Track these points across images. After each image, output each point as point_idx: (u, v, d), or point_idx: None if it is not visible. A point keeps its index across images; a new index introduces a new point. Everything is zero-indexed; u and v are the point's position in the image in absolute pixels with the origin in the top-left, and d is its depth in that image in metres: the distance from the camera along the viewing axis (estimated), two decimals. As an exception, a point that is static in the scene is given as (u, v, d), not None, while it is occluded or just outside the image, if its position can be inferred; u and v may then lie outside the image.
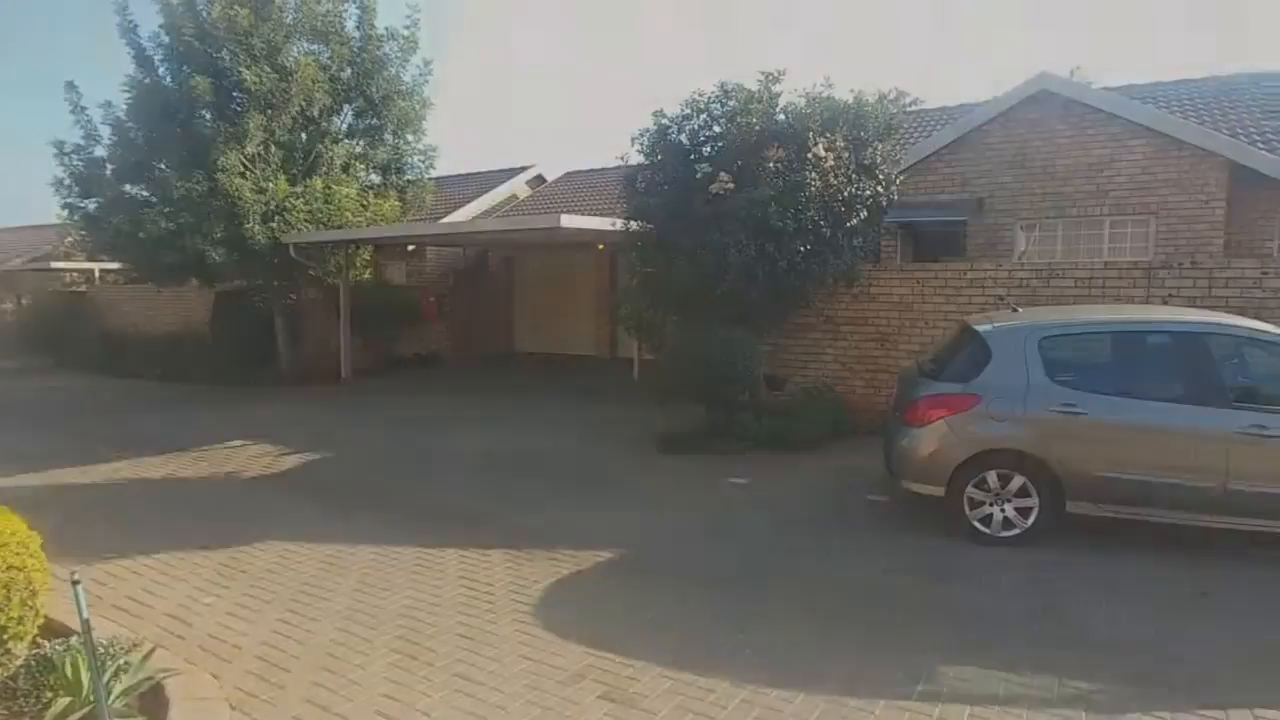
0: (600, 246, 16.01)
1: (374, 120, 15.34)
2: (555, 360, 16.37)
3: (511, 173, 21.04)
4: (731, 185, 7.42)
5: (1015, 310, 6.13)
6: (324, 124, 14.41)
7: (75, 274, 23.57)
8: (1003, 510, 5.35)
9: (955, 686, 3.63)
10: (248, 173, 13.47)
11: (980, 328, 5.70)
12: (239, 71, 12.87)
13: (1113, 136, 9.90)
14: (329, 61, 14.15)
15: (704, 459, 8.07)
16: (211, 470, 8.29)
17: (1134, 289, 7.67)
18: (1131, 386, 5.24)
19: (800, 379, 9.40)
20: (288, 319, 15.36)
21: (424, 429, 10.16)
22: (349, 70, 14.60)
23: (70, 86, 13.56)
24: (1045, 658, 3.87)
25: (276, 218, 13.47)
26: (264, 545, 5.78)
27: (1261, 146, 9.66)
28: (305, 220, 13.70)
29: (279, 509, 6.78)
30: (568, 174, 21.33)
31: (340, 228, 13.87)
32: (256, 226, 13.11)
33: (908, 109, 8.92)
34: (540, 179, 21.45)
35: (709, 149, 8.30)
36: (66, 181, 13.84)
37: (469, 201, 19.20)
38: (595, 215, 12.27)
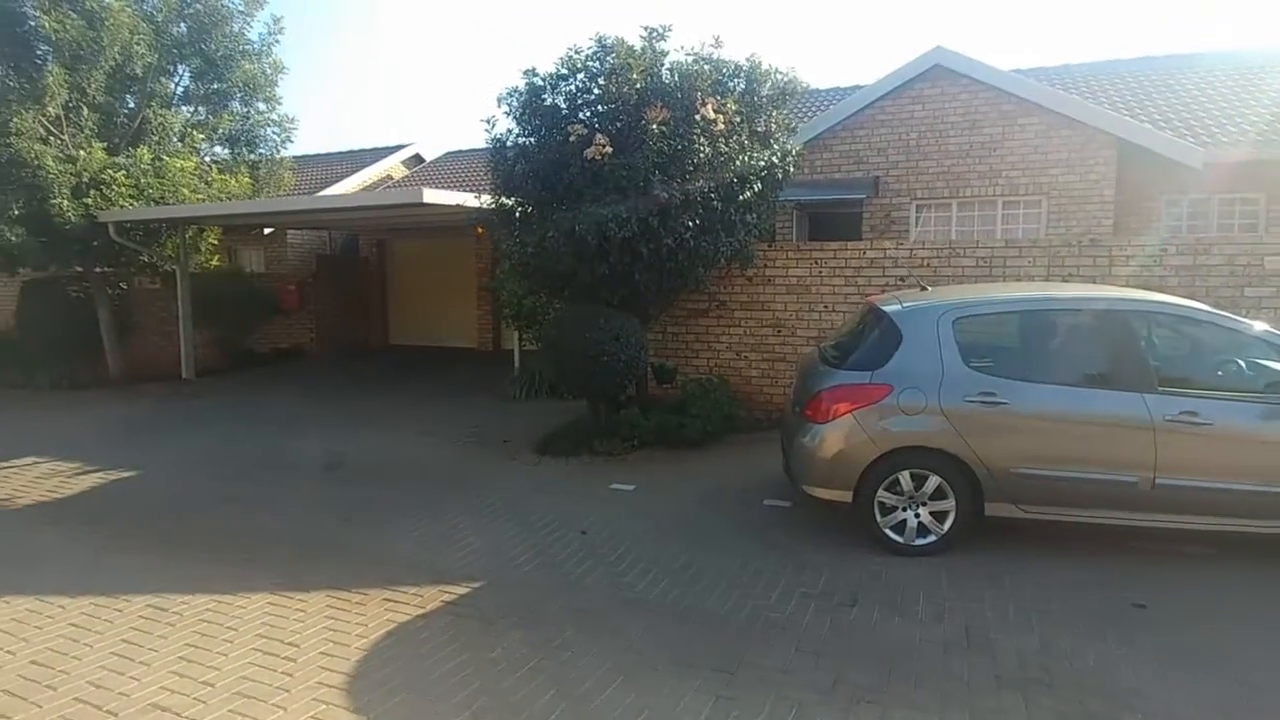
0: (480, 230, 14.72)
1: (217, 84, 13.48)
2: (432, 355, 15.02)
3: (387, 151, 19.37)
4: (609, 149, 6.48)
5: (924, 289, 5.50)
6: (152, 85, 12.47)
7: None
8: (917, 515, 4.69)
9: (881, 761, 2.85)
10: (51, 138, 11.44)
11: (888, 308, 5.01)
12: (36, 16, 10.86)
13: (1005, 115, 9.61)
14: (155, 11, 12.24)
15: (585, 462, 7.14)
16: (-27, 498, 6.67)
17: (1034, 268, 7.29)
18: (1053, 371, 4.67)
19: (691, 369, 8.61)
20: (115, 312, 13.30)
21: (267, 435, 8.74)
22: (183, 25, 12.71)
23: None
24: (981, 705, 3.16)
25: (92, 192, 11.52)
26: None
27: (1147, 124, 9.60)
28: (130, 196, 11.79)
29: (42, 548, 5.36)
30: (448, 154, 19.84)
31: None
32: (65, 202, 11.13)
33: (801, 87, 8.19)
34: (418, 159, 19.86)
35: (588, 113, 7.33)
36: None
37: (338, 181, 17.47)
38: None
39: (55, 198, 10.98)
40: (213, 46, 12.89)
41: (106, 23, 11.10)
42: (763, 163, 7.25)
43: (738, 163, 6.97)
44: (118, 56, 11.53)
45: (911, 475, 4.64)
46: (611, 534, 5.32)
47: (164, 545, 5.37)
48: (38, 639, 3.96)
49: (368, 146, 19.75)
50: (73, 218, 11.16)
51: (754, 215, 7.51)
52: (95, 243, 12.10)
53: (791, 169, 7.66)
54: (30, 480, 7.23)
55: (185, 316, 13.15)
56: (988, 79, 9.63)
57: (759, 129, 7.40)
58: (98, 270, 12.96)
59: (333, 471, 7.24)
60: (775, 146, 7.43)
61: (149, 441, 8.62)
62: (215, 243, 14.77)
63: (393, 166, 19.11)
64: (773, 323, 8.32)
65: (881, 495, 4.70)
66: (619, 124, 6.88)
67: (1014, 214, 9.83)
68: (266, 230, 16.13)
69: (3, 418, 10.37)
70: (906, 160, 10.18)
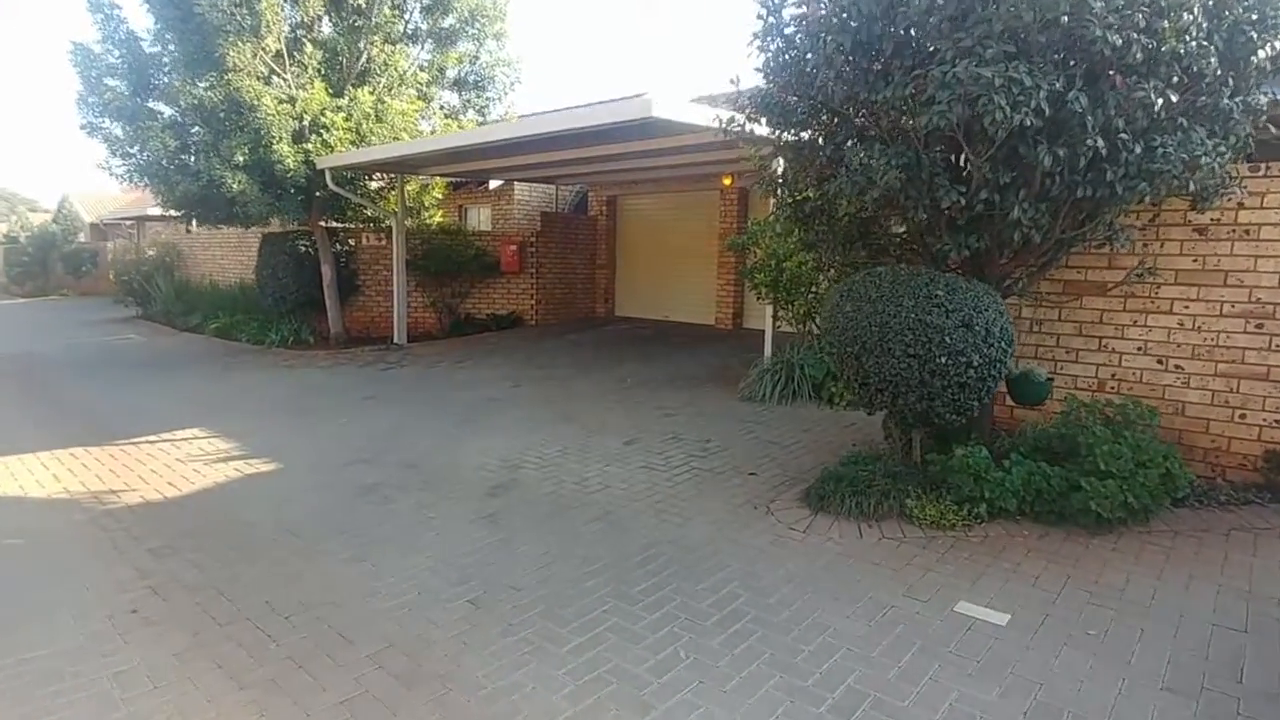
0: (727, 180, 12.01)
1: (445, 20, 12.04)
2: (662, 330, 12.61)
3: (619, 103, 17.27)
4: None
5: None
6: (376, 19, 11.21)
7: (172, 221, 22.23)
8: None
9: None
10: (274, 76, 10.52)
11: None
12: (256, -62, 9.88)
13: None
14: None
15: (894, 538, 4.09)
16: (91, 485, 5.26)
17: None
18: None
19: (1066, 382, 5.16)
20: (338, 269, 12.47)
21: (444, 427, 6.75)
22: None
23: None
24: None
25: (313, 137, 10.49)
26: None
27: None
28: (349, 142, 10.63)
29: (43, 606, 3.50)
30: (693, 100, 17.30)
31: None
32: (285, 146, 10.15)
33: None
34: (657, 108, 17.55)
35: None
36: (86, 96, 11.30)
37: (569, 134, 15.67)
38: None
39: (277, 142, 10.02)
40: (439, -29, 11.42)
41: (322, -63, 9.85)
42: (1306, -15, 3.58)
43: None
44: (336, -20, 10.32)
45: None
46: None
47: (207, 622, 3.30)
48: None
49: (603, 99, 17.81)
50: (292, 164, 10.16)
51: (1267, 94, 3.87)
52: (317, 194, 11.19)
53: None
54: (171, 461, 5.82)
55: (399, 275, 11.97)
56: None
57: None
58: (322, 224, 12.16)
59: (495, 497, 4.91)
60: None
61: (318, 423, 7.03)
62: (439, 197, 13.61)
63: (630, 117, 16.98)
64: (1247, 310, 4.59)
65: None
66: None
67: None
68: (493, 184, 14.75)
69: (208, 376, 9.61)
70: None
